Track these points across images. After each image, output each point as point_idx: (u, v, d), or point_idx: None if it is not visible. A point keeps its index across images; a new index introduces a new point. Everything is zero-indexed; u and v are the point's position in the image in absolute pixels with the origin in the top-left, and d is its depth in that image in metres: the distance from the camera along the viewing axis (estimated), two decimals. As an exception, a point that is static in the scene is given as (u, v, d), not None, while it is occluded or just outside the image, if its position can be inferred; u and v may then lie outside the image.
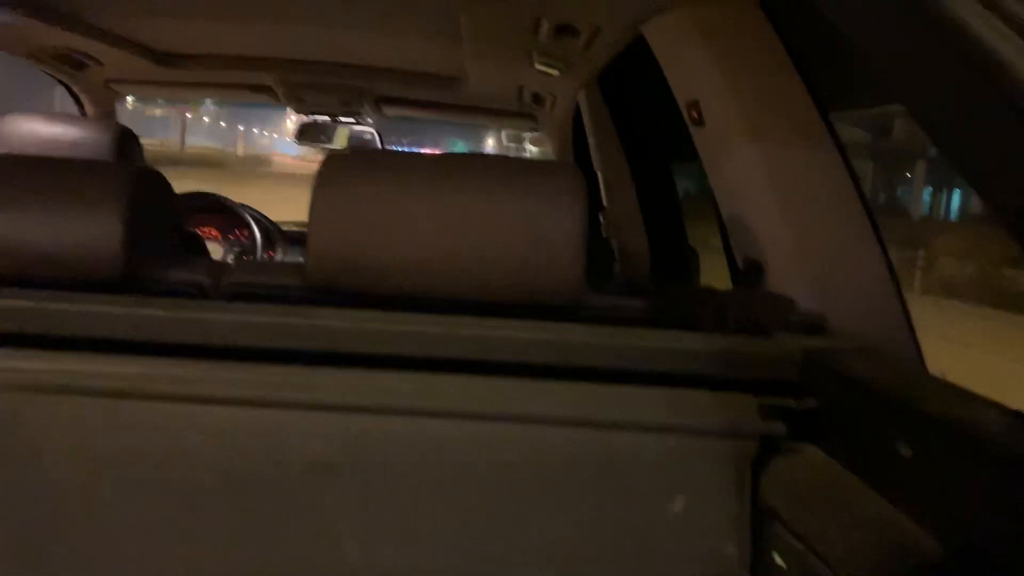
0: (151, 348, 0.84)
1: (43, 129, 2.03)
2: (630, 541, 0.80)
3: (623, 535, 0.81)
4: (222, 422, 0.82)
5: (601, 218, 2.26)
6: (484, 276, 0.91)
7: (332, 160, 0.96)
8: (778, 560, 0.75)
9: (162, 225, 1.17)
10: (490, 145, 12.63)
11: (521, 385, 0.83)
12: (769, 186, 1.07)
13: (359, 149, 2.83)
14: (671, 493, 0.80)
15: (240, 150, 40.35)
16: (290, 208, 3.78)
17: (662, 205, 2.18)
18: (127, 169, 1.10)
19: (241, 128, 42.04)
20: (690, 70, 1.20)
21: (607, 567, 0.81)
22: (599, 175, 2.24)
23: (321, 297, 0.95)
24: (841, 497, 0.73)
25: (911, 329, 1.00)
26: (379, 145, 3.10)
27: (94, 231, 0.98)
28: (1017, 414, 0.63)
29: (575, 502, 0.81)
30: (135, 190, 1.04)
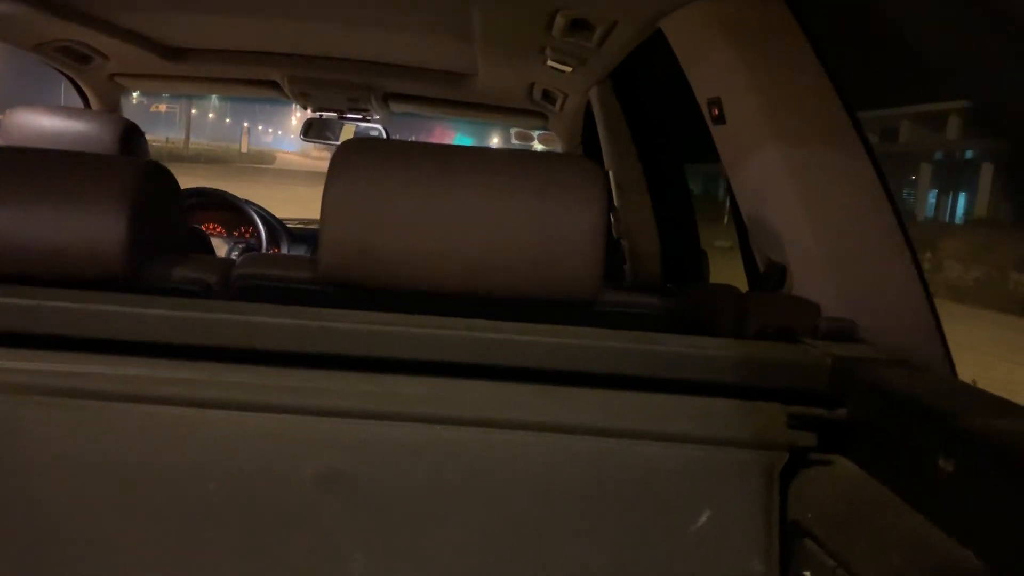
0: (156, 349, 0.81)
1: (47, 122, 2.00)
2: (652, 556, 0.77)
3: (646, 549, 0.77)
4: (228, 427, 0.79)
5: (612, 218, 2.23)
6: (500, 270, 0.88)
7: (346, 148, 0.92)
8: (810, 579, 0.71)
9: (169, 221, 1.14)
10: (495, 143, 12.60)
11: (541, 391, 0.80)
12: (794, 187, 1.03)
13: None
14: (696, 506, 0.77)
15: (244, 147, 40.43)
16: (294, 206, 3.74)
17: (675, 206, 2.15)
18: (133, 163, 1.07)
19: (245, 124, 42.12)
20: (711, 66, 1.17)
21: None
22: (610, 174, 2.20)
23: (333, 291, 0.92)
24: (876, 514, 0.69)
25: (942, 338, 0.97)
26: (385, 137, 3.06)
27: (98, 227, 0.95)
28: None
29: (596, 516, 0.78)
30: (141, 185, 1.00)
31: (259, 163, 34.45)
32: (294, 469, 0.78)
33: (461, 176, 0.88)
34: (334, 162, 0.90)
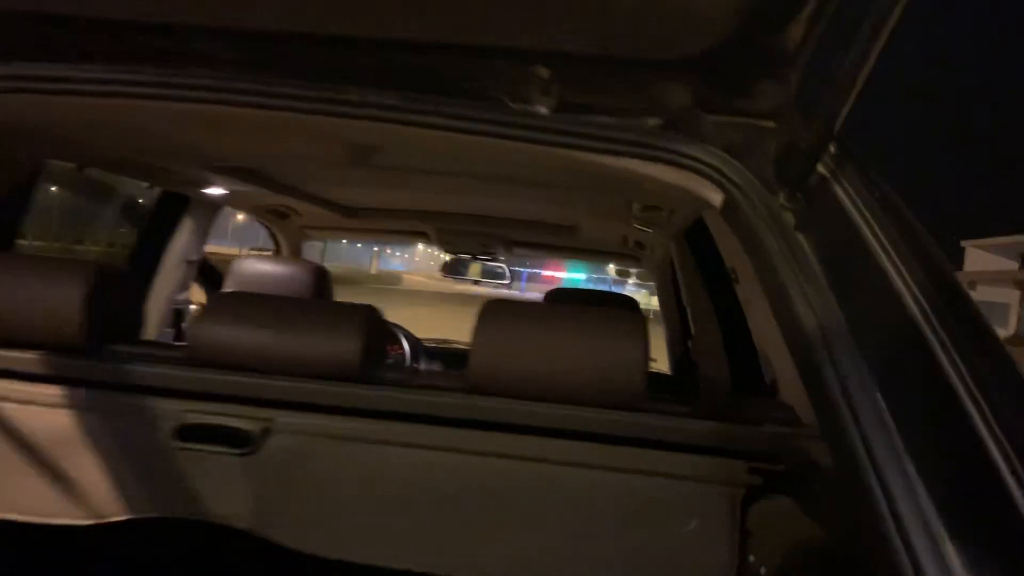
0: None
1: (264, 267, 2.73)
2: (646, 554, 1.26)
3: (643, 551, 1.27)
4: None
5: (689, 344, 2.74)
6: (573, 384, 1.41)
7: (491, 305, 1.48)
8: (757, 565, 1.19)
9: None
10: (611, 271, 13.22)
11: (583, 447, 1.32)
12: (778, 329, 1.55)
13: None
14: (681, 518, 1.27)
15: (374, 268, 42.98)
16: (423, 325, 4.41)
17: (739, 333, 2.64)
18: (348, 307, 1.65)
19: (376, 249, 44.74)
20: (728, 246, 1.71)
21: None
22: (688, 309, 2.73)
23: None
24: (795, 526, 1.17)
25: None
26: (508, 277, 3.71)
27: (337, 347, 1.55)
28: None
29: (602, 527, 1.28)
30: (367, 324, 1.62)
31: (388, 284, 36.65)
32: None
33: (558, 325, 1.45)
34: (481, 313, 1.46)
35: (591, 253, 3.40)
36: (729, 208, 1.09)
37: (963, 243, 35.35)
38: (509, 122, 1.17)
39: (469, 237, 3.35)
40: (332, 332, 1.41)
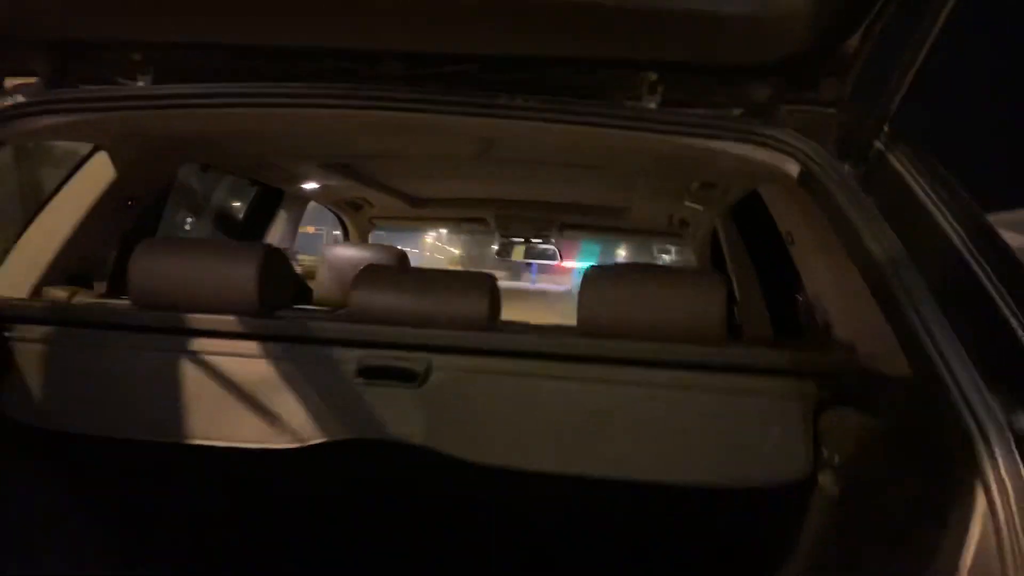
0: None
1: (353, 253, 3.07)
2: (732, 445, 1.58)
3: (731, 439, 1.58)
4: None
5: (735, 311, 3.06)
6: (667, 325, 1.73)
7: (592, 269, 1.80)
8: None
9: None
10: (621, 253, 13.50)
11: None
12: (837, 277, 1.87)
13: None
14: (766, 427, 1.59)
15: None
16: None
17: (784, 301, 2.96)
18: (486, 276, 1.96)
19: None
20: (784, 214, 2.03)
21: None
22: (732, 278, 3.05)
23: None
24: (859, 433, 1.49)
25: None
26: (557, 257, 4.04)
27: (473, 305, 1.86)
28: None
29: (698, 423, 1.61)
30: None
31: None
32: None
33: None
34: (587, 275, 1.77)
35: (635, 233, 3.73)
36: (805, 176, 1.40)
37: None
38: (624, 115, 1.49)
39: (525, 222, 3.68)
40: (467, 293, 1.74)
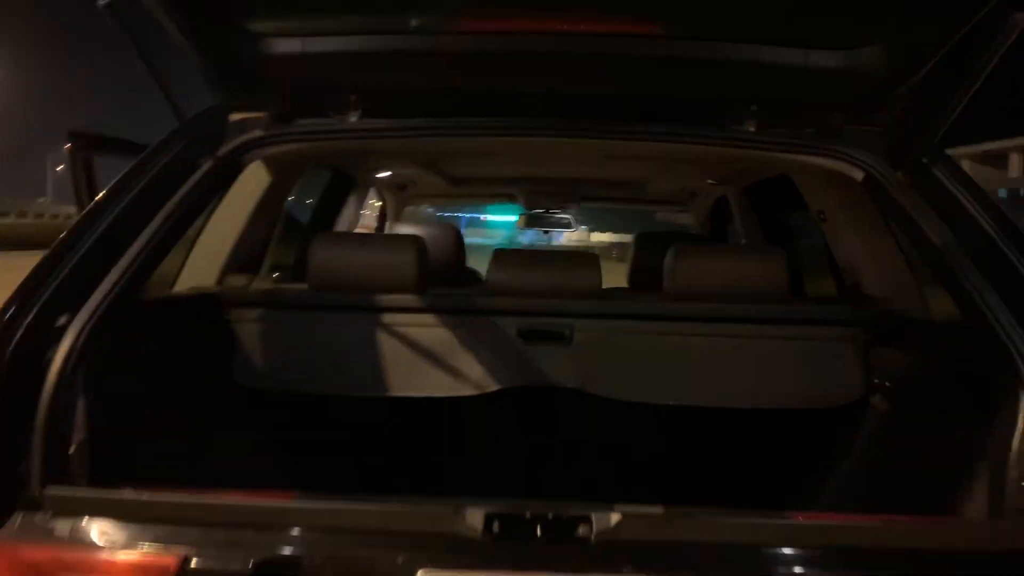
0: None
1: (415, 231, 3.50)
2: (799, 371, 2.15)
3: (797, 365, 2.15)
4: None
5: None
6: (745, 288, 2.26)
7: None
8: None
9: None
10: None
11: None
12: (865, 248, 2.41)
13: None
14: (827, 363, 2.14)
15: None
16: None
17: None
18: (594, 256, 2.47)
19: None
20: (817, 196, 2.56)
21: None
22: (743, 242, 3.61)
23: None
24: (898, 362, 2.06)
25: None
26: (574, 226, 4.55)
27: (591, 278, 2.37)
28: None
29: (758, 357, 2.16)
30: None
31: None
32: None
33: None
34: (672, 250, 2.29)
35: (646, 203, 4.26)
36: (869, 180, 1.92)
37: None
38: (730, 136, 1.99)
39: (549, 196, 4.16)
40: (583, 268, 2.25)
